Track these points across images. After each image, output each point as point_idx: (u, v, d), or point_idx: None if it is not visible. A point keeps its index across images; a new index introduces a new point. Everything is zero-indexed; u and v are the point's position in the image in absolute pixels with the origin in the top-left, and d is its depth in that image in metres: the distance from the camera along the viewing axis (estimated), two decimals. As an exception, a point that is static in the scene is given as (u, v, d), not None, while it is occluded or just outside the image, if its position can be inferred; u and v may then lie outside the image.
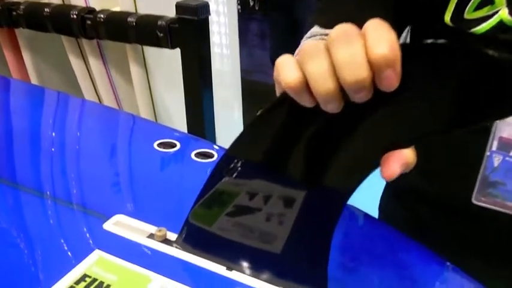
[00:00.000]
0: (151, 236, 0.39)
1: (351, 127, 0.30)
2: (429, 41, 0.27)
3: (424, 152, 0.33)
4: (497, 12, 0.38)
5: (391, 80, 0.26)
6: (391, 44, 0.25)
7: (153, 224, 0.41)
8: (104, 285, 0.34)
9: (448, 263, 0.40)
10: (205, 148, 0.55)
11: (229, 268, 0.36)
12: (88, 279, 0.35)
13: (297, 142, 0.32)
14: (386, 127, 0.29)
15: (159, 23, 0.99)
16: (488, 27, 0.38)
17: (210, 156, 0.54)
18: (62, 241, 0.39)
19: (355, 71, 0.25)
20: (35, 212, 0.43)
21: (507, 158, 0.40)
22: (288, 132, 0.32)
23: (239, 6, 1.34)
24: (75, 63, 1.28)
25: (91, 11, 1.12)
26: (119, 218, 0.42)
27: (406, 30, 0.50)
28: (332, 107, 0.28)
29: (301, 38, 0.50)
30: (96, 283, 0.34)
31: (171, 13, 1.02)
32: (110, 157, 0.56)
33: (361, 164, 0.32)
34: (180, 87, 1.07)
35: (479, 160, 0.41)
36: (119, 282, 0.35)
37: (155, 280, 0.35)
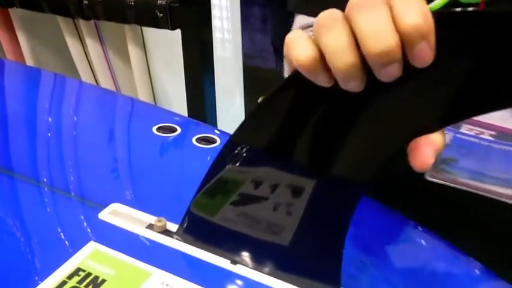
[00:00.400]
0: (150, 226, 0.37)
1: (371, 108, 0.27)
2: (457, 10, 0.24)
3: None
4: None
5: (425, 54, 0.23)
6: (424, 12, 0.22)
7: (152, 214, 0.38)
8: (99, 279, 0.32)
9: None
10: (207, 133, 0.53)
11: (233, 261, 0.34)
12: (82, 274, 0.32)
13: (309, 127, 0.30)
14: (414, 108, 0.26)
15: (159, 2, 0.96)
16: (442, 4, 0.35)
17: (212, 141, 0.51)
18: (54, 232, 0.37)
19: (382, 39, 0.22)
20: (25, 200, 0.41)
21: (458, 135, 0.40)
22: (298, 116, 0.30)
23: (241, -12, 1.30)
24: (72, 44, 1.26)
25: (88, -10, 1.09)
26: (115, 207, 0.39)
27: None
28: (353, 85, 0.25)
29: None
30: (91, 278, 0.32)
31: (172, -8, 0.99)
32: (107, 142, 0.53)
33: (381, 151, 0.29)
34: (180, 69, 1.04)
35: None
36: (115, 276, 0.32)
37: (154, 275, 0.32)
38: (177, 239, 0.36)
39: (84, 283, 0.31)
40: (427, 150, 0.26)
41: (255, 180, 0.33)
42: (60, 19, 1.22)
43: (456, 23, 0.24)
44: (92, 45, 1.22)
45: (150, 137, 0.52)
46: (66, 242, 0.35)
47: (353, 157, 0.30)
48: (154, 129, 0.53)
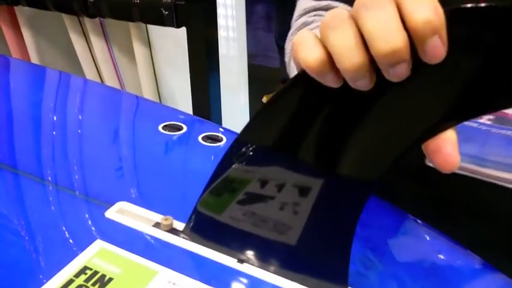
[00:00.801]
0: (156, 225, 0.37)
1: (380, 107, 0.27)
2: (468, 5, 0.23)
3: None
4: None
5: (438, 50, 0.22)
6: (435, 7, 0.22)
7: (158, 212, 0.38)
8: (106, 278, 0.32)
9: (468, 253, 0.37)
10: (212, 131, 0.52)
11: (240, 260, 0.34)
12: (89, 272, 0.32)
13: (316, 125, 0.29)
14: (424, 106, 0.26)
15: (164, 0, 0.96)
16: None
17: (218, 139, 0.51)
18: (61, 230, 0.37)
19: (389, 39, 0.22)
20: (32, 198, 0.41)
21: None
22: (306, 115, 0.29)
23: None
24: (77, 42, 1.26)
25: (93, -12, 1.09)
26: (121, 205, 0.39)
27: None
28: (362, 84, 0.24)
29: None
30: (98, 276, 0.32)
31: (177, -10, 0.98)
32: (113, 140, 0.53)
33: (390, 150, 0.29)
34: (186, 68, 1.04)
35: None
36: (122, 275, 0.32)
37: (161, 273, 0.32)
38: (183, 237, 0.36)
39: (91, 281, 0.31)
40: (449, 148, 0.25)
41: (261, 179, 0.33)
42: (65, 17, 1.22)
43: (467, 19, 0.23)
44: (96, 42, 1.22)
45: (156, 135, 0.52)
46: (73, 241, 0.35)
47: (361, 156, 0.30)
48: (160, 127, 0.53)
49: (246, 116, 1.40)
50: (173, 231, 0.36)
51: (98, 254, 0.34)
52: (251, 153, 0.33)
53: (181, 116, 0.57)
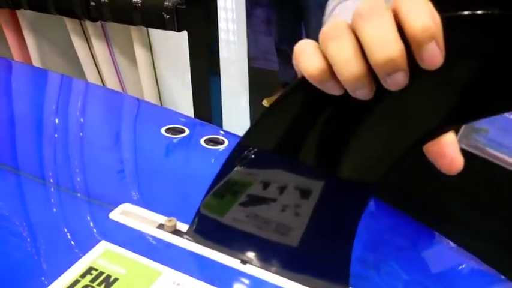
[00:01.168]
0: (160, 226, 0.37)
1: (379, 111, 0.27)
2: (465, 12, 0.24)
3: None
4: None
5: (435, 56, 0.23)
6: (432, 14, 0.22)
7: (162, 214, 0.39)
8: (111, 278, 0.32)
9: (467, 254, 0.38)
10: (214, 134, 0.53)
11: (243, 261, 0.34)
12: (94, 272, 0.33)
13: (317, 129, 0.30)
14: (423, 110, 0.27)
15: (166, 4, 0.96)
16: None
17: (220, 142, 0.51)
18: (66, 231, 0.37)
19: (385, 49, 0.22)
20: (37, 201, 0.41)
21: None
22: (307, 119, 0.30)
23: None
24: (79, 45, 1.26)
25: (95, -8, 1.09)
26: (125, 207, 0.40)
27: None
28: (362, 93, 0.25)
29: (307, 24, 0.48)
30: (103, 276, 0.32)
31: (178, -6, 0.99)
32: (116, 143, 0.54)
33: (389, 153, 0.29)
34: (186, 71, 1.04)
35: None
36: (127, 275, 0.33)
37: (165, 273, 0.33)
38: (187, 238, 0.36)
39: (97, 282, 0.32)
40: (453, 151, 0.26)
41: (263, 181, 0.33)
42: (66, 20, 1.23)
43: (464, 26, 0.24)
44: (98, 46, 1.22)
45: (159, 138, 0.52)
46: (79, 242, 0.36)
47: (362, 159, 0.30)
48: (163, 130, 0.53)
49: (247, 119, 1.41)
50: (177, 232, 0.37)
51: (103, 255, 0.34)
52: (253, 156, 0.33)
53: (183, 119, 0.57)
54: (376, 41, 0.23)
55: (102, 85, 1.32)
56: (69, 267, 0.33)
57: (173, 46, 1.19)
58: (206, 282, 0.32)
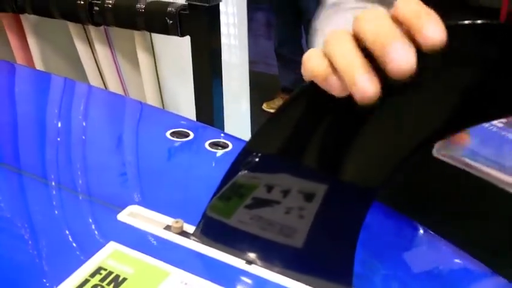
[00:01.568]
0: (167, 227, 0.38)
1: (382, 116, 0.28)
2: (466, 22, 0.25)
3: None
4: None
5: (436, 33, 0.24)
6: (440, 25, 0.23)
7: (168, 216, 0.39)
8: (120, 278, 0.33)
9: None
10: (218, 138, 0.54)
11: (248, 262, 0.35)
12: (103, 272, 0.33)
13: (321, 134, 0.31)
14: (425, 114, 0.27)
15: (169, 9, 0.97)
16: None
17: (225, 146, 0.52)
18: (75, 232, 0.38)
19: (384, 41, 0.24)
20: (48, 203, 0.42)
21: None
22: (311, 124, 0.31)
23: (247, -4, 1.32)
24: (82, 49, 1.27)
25: (98, -4, 1.10)
26: (133, 208, 0.41)
27: None
28: (363, 89, 0.26)
29: (306, 28, 0.49)
30: (112, 276, 0.33)
31: (181, -1, 1.00)
32: (122, 146, 0.55)
33: (392, 157, 0.30)
34: (189, 76, 1.05)
35: None
36: (136, 275, 0.33)
37: (173, 274, 0.34)
38: (194, 239, 0.37)
39: (106, 281, 0.33)
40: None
41: (268, 185, 0.34)
42: (70, 25, 1.23)
43: (465, 35, 0.25)
44: (101, 50, 1.23)
45: (164, 142, 0.53)
46: (87, 243, 0.37)
47: (364, 163, 0.31)
48: (168, 134, 0.54)
49: (247, 122, 1.42)
50: (184, 233, 0.38)
51: (112, 255, 0.35)
52: (258, 160, 0.34)
53: (188, 123, 0.58)
54: (374, 35, 0.25)
55: (104, 89, 1.32)
56: (78, 267, 0.34)
57: (176, 51, 1.19)
58: (213, 281, 0.33)
